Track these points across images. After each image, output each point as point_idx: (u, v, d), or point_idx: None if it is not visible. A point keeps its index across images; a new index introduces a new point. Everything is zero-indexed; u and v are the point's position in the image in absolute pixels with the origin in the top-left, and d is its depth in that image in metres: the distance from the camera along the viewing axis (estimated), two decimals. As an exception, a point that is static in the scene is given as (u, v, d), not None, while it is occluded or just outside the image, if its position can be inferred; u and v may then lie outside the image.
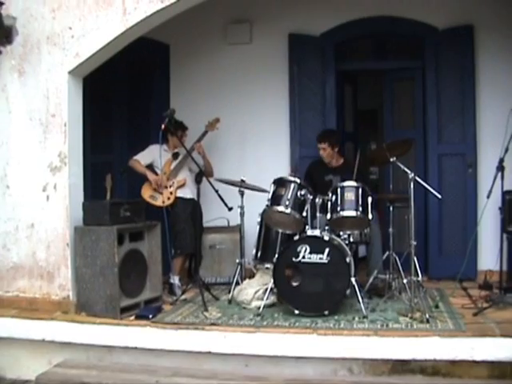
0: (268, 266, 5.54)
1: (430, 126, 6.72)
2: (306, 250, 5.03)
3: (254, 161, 7.00)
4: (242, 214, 5.85)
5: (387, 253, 5.60)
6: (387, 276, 5.61)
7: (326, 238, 5.12)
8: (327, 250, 5.00)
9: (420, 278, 5.21)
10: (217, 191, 5.50)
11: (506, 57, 6.62)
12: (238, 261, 5.85)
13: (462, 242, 6.53)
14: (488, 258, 6.35)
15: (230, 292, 5.74)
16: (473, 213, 6.53)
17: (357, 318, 4.95)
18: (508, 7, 6.56)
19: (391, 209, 5.64)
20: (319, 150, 6.19)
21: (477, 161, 6.63)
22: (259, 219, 5.66)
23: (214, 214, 6.43)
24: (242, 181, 5.79)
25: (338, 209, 5.21)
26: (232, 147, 7.10)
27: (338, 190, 5.28)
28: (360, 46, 7.36)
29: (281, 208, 5.24)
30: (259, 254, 5.68)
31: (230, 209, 5.62)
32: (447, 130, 6.70)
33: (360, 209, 5.19)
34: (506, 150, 5.30)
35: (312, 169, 6.37)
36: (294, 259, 5.05)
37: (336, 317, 5.00)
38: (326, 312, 5.00)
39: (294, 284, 5.05)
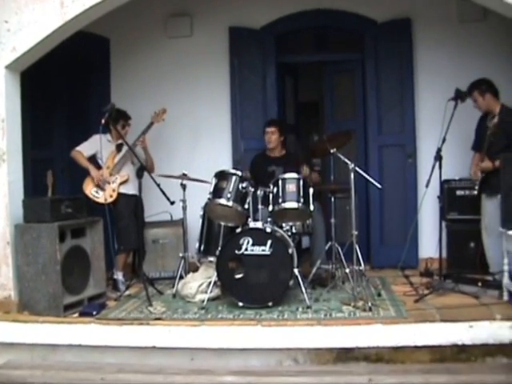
0: (211, 259, 5.55)
1: (370, 118, 6.83)
2: (248, 242, 5.05)
3: (197, 154, 6.97)
4: (184, 208, 5.84)
5: (330, 243, 5.67)
6: (330, 266, 5.68)
7: (269, 229, 5.15)
8: (270, 242, 5.03)
9: (362, 267, 5.28)
10: (158, 185, 5.45)
11: (442, 49, 6.77)
12: (181, 255, 5.83)
13: (403, 231, 6.63)
14: (428, 246, 6.47)
15: (174, 286, 5.71)
16: (413, 202, 6.65)
17: (300, 309, 5.00)
18: (444, 0, 6.73)
19: (333, 200, 5.71)
20: (266, 135, 6.25)
21: (416, 151, 6.76)
22: (202, 212, 5.66)
23: (156, 209, 6.37)
24: (184, 174, 5.76)
25: (280, 201, 5.24)
26: (175, 140, 7.05)
27: (280, 181, 5.31)
28: (300, 38, 7.40)
29: (222, 201, 5.24)
30: (202, 248, 5.69)
31: (172, 203, 5.59)
32: (387, 121, 6.82)
33: (301, 200, 5.23)
34: (444, 140, 5.42)
35: (256, 161, 6.41)
36: (236, 252, 5.06)
37: (280, 308, 5.04)
38: (270, 303, 5.03)
39: (238, 276, 5.06)
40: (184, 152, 7.02)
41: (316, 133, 6.70)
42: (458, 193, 6.33)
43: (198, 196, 5.76)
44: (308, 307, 4.99)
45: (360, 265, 5.25)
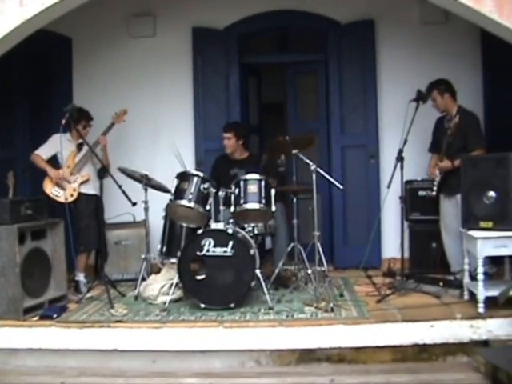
0: (173, 260, 5.51)
1: (333, 118, 6.85)
2: (210, 243, 5.03)
3: (159, 154, 6.88)
4: (146, 209, 5.77)
5: (292, 244, 5.67)
6: (293, 267, 5.69)
7: (230, 231, 5.14)
8: (231, 243, 5.02)
9: (325, 267, 5.28)
10: (120, 186, 5.40)
11: (405, 50, 6.84)
12: (143, 256, 5.77)
13: (366, 232, 6.66)
14: (391, 247, 6.53)
15: (136, 288, 5.66)
16: (376, 203, 6.69)
17: (262, 310, 4.99)
18: (407, 2, 6.79)
19: (295, 200, 5.71)
20: (223, 140, 6.21)
21: (379, 152, 6.80)
22: (164, 214, 5.62)
23: (119, 210, 6.31)
24: (146, 176, 5.68)
25: (242, 201, 5.24)
26: (137, 141, 6.97)
27: (241, 182, 5.30)
28: (264, 39, 7.41)
29: (184, 202, 5.21)
30: (164, 249, 5.65)
31: (134, 204, 5.54)
32: (350, 121, 6.85)
33: (263, 201, 5.23)
34: (405, 141, 5.46)
35: (218, 162, 6.37)
36: (198, 253, 5.04)
37: (242, 309, 5.03)
38: (232, 305, 5.02)
39: (199, 278, 5.04)
40: (146, 153, 6.94)
41: (280, 133, 6.65)
42: (420, 193, 6.38)
43: (161, 197, 5.73)
44: (270, 308, 4.99)
45: (322, 265, 5.26)
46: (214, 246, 5.02)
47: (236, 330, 4.62)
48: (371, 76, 6.77)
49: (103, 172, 5.57)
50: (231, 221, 5.38)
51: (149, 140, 7.03)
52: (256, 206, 5.24)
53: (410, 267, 6.37)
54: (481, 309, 4.71)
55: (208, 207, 5.26)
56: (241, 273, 5.03)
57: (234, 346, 4.58)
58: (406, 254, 6.43)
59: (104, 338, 4.69)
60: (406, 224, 6.43)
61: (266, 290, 5.06)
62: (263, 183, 5.28)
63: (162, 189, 5.75)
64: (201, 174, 5.34)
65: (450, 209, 5.66)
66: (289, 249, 5.68)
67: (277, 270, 5.62)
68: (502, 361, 4.19)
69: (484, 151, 5.43)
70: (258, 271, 5.07)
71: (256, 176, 5.34)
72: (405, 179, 6.00)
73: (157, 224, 5.90)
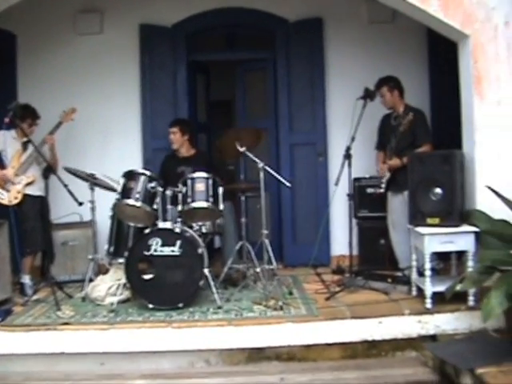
0: (121, 260, 5.41)
1: (282, 116, 6.84)
2: (157, 242, 4.97)
3: (107, 153, 6.77)
4: (93, 209, 5.64)
5: (241, 242, 5.65)
6: (242, 265, 5.67)
7: (178, 230, 5.08)
8: (179, 242, 4.97)
9: (274, 265, 5.27)
10: (66, 186, 5.26)
11: (353, 49, 6.88)
12: (90, 257, 5.66)
13: (314, 230, 6.64)
14: (340, 244, 6.55)
15: (83, 289, 5.56)
16: (324, 201, 6.69)
17: (211, 309, 4.96)
18: (355, 1, 6.83)
19: (243, 199, 5.69)
20: (169, 135, 6.17)
21: (327, 150, 6.82)
22: (111, 213, 5.54)
23: (65, 210, 6.17)
24: (92, 175, 5.58)
25: (189, 200, 5.20)
26: (85, 140, 6.80)
27: (189, 181, 5.26)
28: (212, 36, 7.34)
29: (131, 201, 5.15)
30: (112, 249, 5.56)
31: (81, 204, 5.44)
32: (298, 119, 6.85)
33: (211, 200, 5.20)
34: (353, 139, 5.49)
35: (166, 161, 6.32)
36: (145, 253, 4.98)
37: (191, 309, 4.98)
38: (181, 304, 4.97)
39: (147, 278, 4.97)
40: (94, 152, 6.79)
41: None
42: (368, 190, 6.42)
43: (108, 196, 5.63)
44: (219, 307, 4.96)
45: (271, 264, 5.25)
46: (162, 245, 4.97)
47: (185, 330, 4.57)
48: (319, 74, 6.78)
49: (48, 172, 5.45)
50: (179, 220, 5.32)
51: (97, 139, 6.86)
52: (203, 204, 5.20)
53: (359, 264, 6.42)
54: (428, 304, 4.76)
55: (155, 206, 5.20)
56: (189, 272, 4.99)
57: (183, 346, 4.54)
58: (355, 251, 6.47)
59: (51, 342, 4.60)
60: (354, 221, 6.48)
61: (214, 289, 5.03)
62: (210, 181, 5.26)
63: (108, 188, 5.65)
64: (147, 173, 5.28)
65: (398, 205, 5.72)
66: (237, 247, 5.67)
67: (226, 269, 5.59)
68: (449, 355, 4.28)
69: (431, 147, 5.49)
70: (206, 270, 5.03)
71: (203, 174, 5.30)
72: (353, 177, 6.04)
73: (104, 224, 5.80)
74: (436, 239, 4.79)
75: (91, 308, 5.18)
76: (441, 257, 5.35)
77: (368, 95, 5.58)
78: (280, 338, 4.56)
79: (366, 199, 6.43)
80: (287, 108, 6.81)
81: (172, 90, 6.82)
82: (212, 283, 5.04)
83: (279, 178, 5.19)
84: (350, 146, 5.49)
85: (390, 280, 5.50)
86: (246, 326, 4.59)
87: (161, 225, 5.11)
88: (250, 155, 5.29)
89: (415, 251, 5.17)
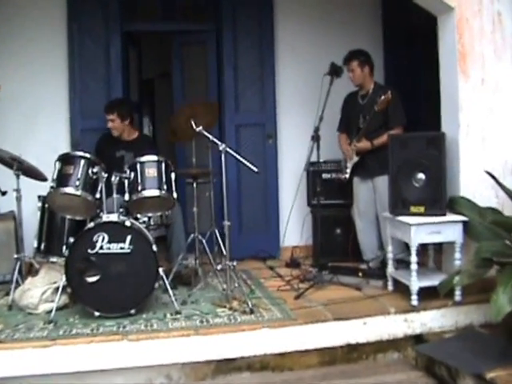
0: (54, 259, 4.64)
1: (227, 95, 6.12)
2: (103, 238, 4.17)
3: (32, 135, 5.76)
4: (18, 199, 4.70)
5: (192, 235, 4.98)
6: (194, 261, 4.99)
7: (128, 223, 4.30)
8: (129, 238, 4.20)
9: (233, 261, 4.58)
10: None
11: (305, 25, 6.29)
12: (16, 256, 4.76)
13: (263, 219, 6.17)
14: (291, 234, 6.06)
15: (8, 294, 4.68)
16: (274, 186, 6.19)
17: (169, 315, 4.23)
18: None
19: (195, 186, 5.00)
20: (108, 123, 5.35)
21: (276, 131, 6.22)
22: (40, 204, 4.70)
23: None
24: (17, 158, 4.68)
25: (139, 188, 4.42)
26: (7, 121, 5.74)
27: (138, 165, 4.48)
28: (148, 5, 6.42)
29: (70, 189, 4.31)
30: (43, 246, 4.68)
31: (4, 193, 4.63)
32: (245, 99, 6.17)
33: (164, 187, 4.46)
34: (321, 119, 4.96)
35: (101, 144, 5.46)
36: (89, 251, 4.17)
37: (144, 315, 4.23)
38: (133, 311, 4.20)
39: (91, 280, 4.17)
40: (13, 133, 5.70)
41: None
42: (324, 176, 5.85)
43: (33, 183, 4.78)
44: (177, 312, 4.24)
45: (224, 258, 4.58)
46: (109, 241, 4.17)
47: (143, 343, 3.84)
48: (269, 49, 6.14)
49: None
50: (121, 210, 4.56)
51: (18, 119, 5.81)
52: (156, 192, 4.45)
53: (314, 256, 5.90)
54: (414, 301, 4.30)
55: (98, 195, 4.41)
56: (141, 272, 4.22)
57: (141, 361, 3.82)
58: (308, 242, 6.01)
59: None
60: (308, 209, 5.99)
61: (171, 292, 4.32)
62: (163, 166, 4.51)
63: (37, 174, 4.80)
64: (88, 156, 4.45)
65: (365, 193, 5.23)
66: (189, 241, 5.00)
67: (176, 266, 4.90)
68: (446, 356, 3.89)
69: (403, 130, 5.02)
70: (160, 269, 4.30)
71: (154, 157, 4.55)
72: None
73: (27, 216, 4.89)
74: (423, 229, 4.31)
75: (22, 318, 4.28)
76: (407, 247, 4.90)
77: (334, 71, 5.03)
78: (255, 346, 3.95)
79: (321, 186, 5.80)
80: (233, 85, 6.12)
81: (105, 64, 5.88)
82: (168, 284, 4.33)
83: (245, 162, 4.48)
84: (318, 126, 4.92)
85: (360, 274, 4.98)
86: (215, 335, 3.93)
87: (106, 217, 4.30)
88: (209, 135, 4.61)
89: (392, 242, 4.69)
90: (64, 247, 4.58)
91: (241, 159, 4.51)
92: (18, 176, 4.68)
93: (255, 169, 4.49)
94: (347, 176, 5.27)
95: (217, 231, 5.13)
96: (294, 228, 6.02)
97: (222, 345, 3.92)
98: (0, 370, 3.67)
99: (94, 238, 4.18)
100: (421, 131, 4.75)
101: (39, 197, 4.78)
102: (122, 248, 4.20)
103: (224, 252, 4.67)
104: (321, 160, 5.29)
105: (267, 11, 6.13)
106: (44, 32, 5.87)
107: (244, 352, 3.92)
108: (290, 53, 6.26)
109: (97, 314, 4.15)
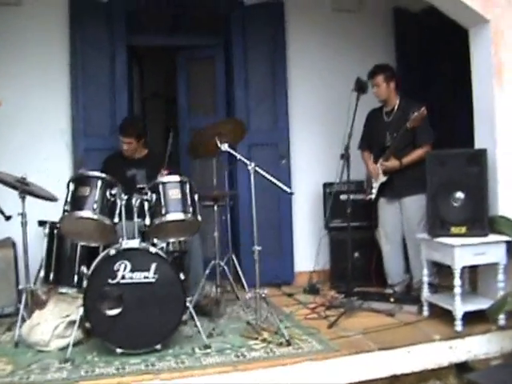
0: (64, 290, 4.26)
1: (238, 112, 5.76)
2: (125, 267, 3.82)
3: (33, 154, 5.36)
4: (24, 224, 4.31)
5: (212, 262, 4.65)
6: (214, 290, 4.65)
7: (153, 250, 3.93)
8: (154, 266, 3.85)
9: (265, 290, 4.26)
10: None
11: (318, 39, 6.08)
12: (21, 286, 4.33)
13: (277, 243, 5.80)
14: (306, 258, 5.81)
15: (10, 329, 4.29)
16: (287, 209, 5.87)
17: (198, 350, 3.86)
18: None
19: (216, 208, 4.67)
20: (122, 144, 5.00)
21: (289, 151, 5.91)
22: (47, 230, 4.31)
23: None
24: (23, 180, 4.29)
25: (163, 211, 4.04)
26: (6, 139, 5.32)
27: (160, 186, 4.11)
28: (155, 18, 6.05)
29: (86, 213, 3.93)
30: (51, 276, 4.27)
31: (9, 218, 4.23)
32: (257, 116, 5.83)
33: (190, 210, 4.09)
34: (350, 136, 4.70)
35: (109, 163, 5.05)
36: (110, 281, 3.81)
37: (171, 351, 3.86)
38: (158, 346, 3.83)
39: (113, 313, 3.80)
40: (11, 152, 5.27)
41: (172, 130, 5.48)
42: (342, 197, 5.56)
43: (35, 207, 4.43)
44: (206, 346, 3.88)
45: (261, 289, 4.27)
46: (132, 270, 3.82)
47: (178, 382, 3.47)
48: (280, 64, 5.84)
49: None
50: (137, 235, 4.16)
51: (20, 137, 5.38)
52: (181, 216, 4.07)
53: (332, 281, 5.64)
54: (458, 327, 4.06)
55: (116, 219, 4.04)
56: (167, 304, 3.85)
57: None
58: (325, 266, 5.79)
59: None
60: (322, 233, 5.70)
61: (198, 324, 3.96)
62: (188, 186, 4.15)
63: (45, 196, 4.42)
64: (105, 176, 4.08)
65: (392, 214, 4.95)
66: (208, 270, 4.68)
67: (196, 295, 4.54)
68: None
69: (431, 148, 4.76)
70: (188, 300, 3.94)
71: (177, 178, 4.18)
72: (324, 181, 5.65)
73: (28, 243, 4.46)
74: (468, 251, 4.07)
75: (33, 357, 3.86)
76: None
77: (360, 87, 4.77)
78: (298, 380, 3.62)
79: (338, 207, 5.53)
80: (244, 103, 5.79)
81: (110, 77, 5.51)
82: (195, 316, 3.97)
83: (277, 182, 4.16)
84: (348, 144, 4.65)
85: (392, 299, 4.68)
86: (255, 370, 3.58)
87: (127, 243, 3.95)
88: (236, 154, 4.30)
89: (427, 265, 4.43)
90: (76, 277, 4.22)
91: (272, 180, 4.19)
92: (23, 199, 4.29)
93: (288, 189, 4.18)
94: (373, 197, 5.02)
95: (234, 257, 4.84)
96: (309, 252, 5.75)
97: (263, 381, 3.57)
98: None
99: (116, 267, 3.82)
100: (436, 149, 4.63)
101: (40, 222, 4.44)
102: (146, 277, 3.84)
103: (243, 279, 4.39)
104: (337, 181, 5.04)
105: (278, 25, 5.85)
106: (44, 41, 5.50)
107: (287, 388, 3.59)
108: (302, 68, 5.99)
109: (119, 350, 3.77)
